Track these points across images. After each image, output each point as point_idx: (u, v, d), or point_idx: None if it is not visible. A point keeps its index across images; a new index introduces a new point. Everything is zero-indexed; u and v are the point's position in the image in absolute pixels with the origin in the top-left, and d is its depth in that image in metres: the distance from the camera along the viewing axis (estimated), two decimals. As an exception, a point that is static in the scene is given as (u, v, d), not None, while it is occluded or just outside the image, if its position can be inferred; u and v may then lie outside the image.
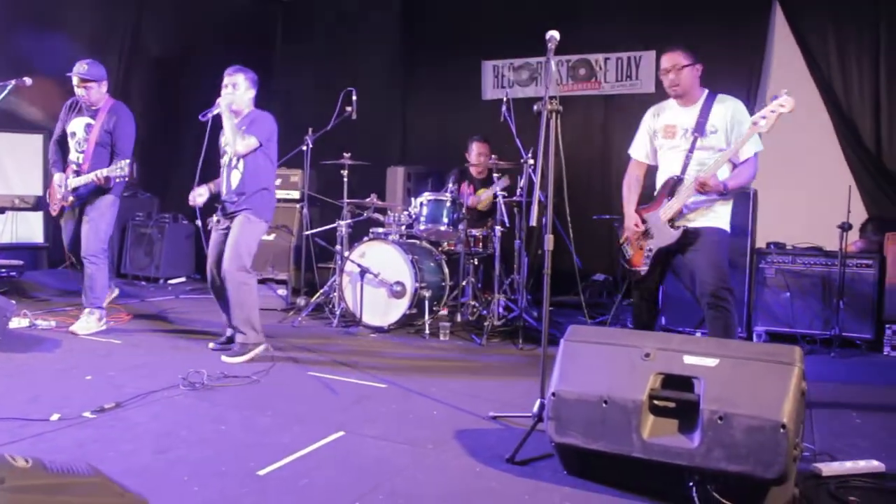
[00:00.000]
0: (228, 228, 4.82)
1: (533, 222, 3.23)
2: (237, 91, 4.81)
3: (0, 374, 4.06)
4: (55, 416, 3.35)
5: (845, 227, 5.37)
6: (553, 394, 2.79)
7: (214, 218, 4.97)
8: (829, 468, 2.95)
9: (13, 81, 5.21)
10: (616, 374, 2.74)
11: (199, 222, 5.10)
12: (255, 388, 4.02)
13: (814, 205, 6.24)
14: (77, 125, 5.39)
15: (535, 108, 3.34)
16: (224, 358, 4.57)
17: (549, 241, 3.24)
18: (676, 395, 2.65)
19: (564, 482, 2.82)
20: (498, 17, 8.04)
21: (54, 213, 5.56)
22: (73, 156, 5.40)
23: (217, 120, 4.75)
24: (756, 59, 6.78)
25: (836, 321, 5.41)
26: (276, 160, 5.00)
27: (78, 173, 5.30)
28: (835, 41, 6.52)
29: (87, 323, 5.27)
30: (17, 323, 5.25)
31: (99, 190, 5.32)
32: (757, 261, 5.76)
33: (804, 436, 3.26)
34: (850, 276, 5.48)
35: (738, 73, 6.70)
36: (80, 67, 5.31)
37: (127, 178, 5.14)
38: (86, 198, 5.37)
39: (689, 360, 2.68)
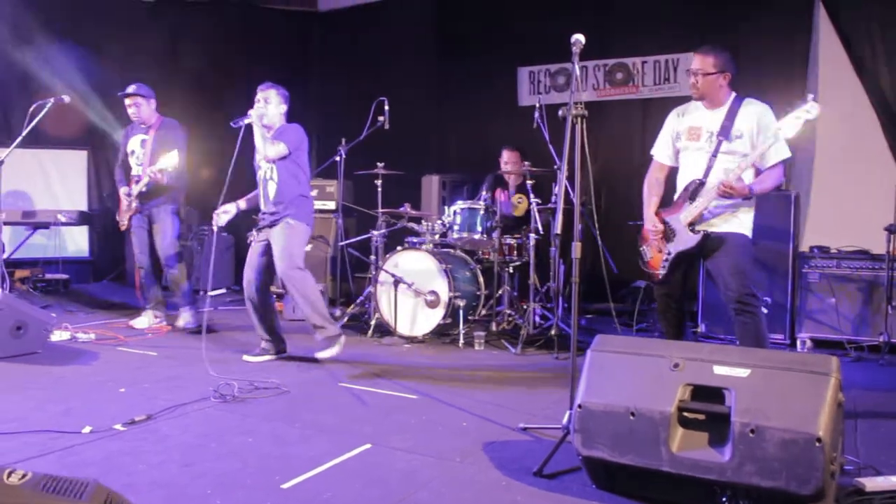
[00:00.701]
0: (266, 241, 4.95)
1: (558, 230, 3.17)
2: (269, 105, 4.93)
3: (36, 387, 4.14)
4: (87, 429, 3.39)
5: (893, 230, 5.17)
6: (579, 405, 2.71)
7: (254, 232, 5.06)
8: (873, 483, 2.80)
9: (52, 99, 5.38)
10: (644, 385, 2.66)
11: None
12: (286, 399, 4.02)
13: (859, 207, 6.02)
14: (134, 143, 5.95)
15: (560, 112, 3.28)
16: (318, 355, 4.86)
17: (576, 249, 3.16)
18: (706, 407, 2.56)
19: (592, 496, 2.75)
20: (533, 23, 7.96)
21: (123, 227, 6.03)
22: (134, 170, 5.93)
23: (249, 135, 4.83)
24: (799, 61, 6.58)
25: (885, 327, 5.21)
26: (308, 169, 5.09)
27: (139, 181, 5.82)
28: (881, 39, 6.29)
29: (185, 317, 5.99)
30: (58, 336, 5.36)
31: (162, 199, 5.86)
32: (800, 265, 5.58)
33: (845, 448, 3.13)
34: (899, 281, 5.28)
35: (781, 75, 6.51)
36: (130, 88, 5.89)
37: (177, 166, 5.61)
38: (151, 210, 5.89)
39: (719, 370, 2.58)
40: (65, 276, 7.78)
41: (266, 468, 2.98)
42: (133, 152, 5.95)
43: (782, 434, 2.38)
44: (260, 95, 4.95)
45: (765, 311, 5.22)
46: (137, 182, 5.82)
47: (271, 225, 4.93)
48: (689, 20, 7.08)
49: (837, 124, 6.23)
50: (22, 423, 3.46)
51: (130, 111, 5.92)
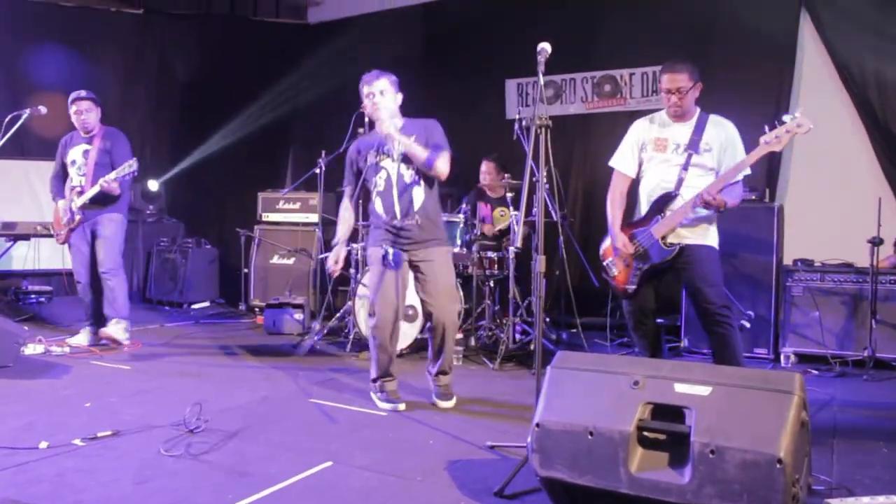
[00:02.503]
0: (405, 258, 4.14)
1: (518, 243, 3.10)
2: (386, 99, 4.15)
3: (2, 401, 4.06)
4: (43, 444, 3.31)
5: (876, 242, 5.10)
6: (537, 424, 2.63)
7: (388, 249, 4.09)
8: (843, 504, 2.73)
9: (28, 110, 5.34)
10: (603, 403, 2.57)
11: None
12: (253, 416, 3.93)
13: (843, 219, 5.95)
14: (75, 153, 5.66)
15: (524, 122, 3.23)
16: (443, 404, 4.17)
17: (540, 263, 3.09)
18: (666, 427, 2.48)
19: (552, 518, 2.67)
20: (521, 36, 7.86)
21: (60, 242, 5.78)
22: (75, 181, 5.62)
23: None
24: (786, 72, 6.51)
25: (870, 341, 5.12)
26: None
27: (81, 194, 5.52)
28: (870, 50, 6.23)
29: (118, 330, 5.53)
30: (32, 349, 5.30)
31: (107, 209, 5.55)
32: (784, 279, 5.51)
33: (819, 468, 3.06)
34: (882, 294, 5.19)
35: (767, 87, 6.46)
36: (82, 92, 5.62)
37: (135, 174, 5.45)
38: (95, 219, 5.57)
39: (680, 388, 2.50)
40: (48, 288, 7.70)
41: (220, 487, 2.90)
42: (74, 162, 5.64)
43: (743, 455, 2.29)
44: (369, 89, 4.13)
45: (747, 325, 5.18)
46: (81, 194, 5.53)
47: (415, 245, 4.10)
48: (677, 32, 7.02)
49: (819, 135, 6.15)
50: (-20, 438, 3.40)
51: (80, 118, 5.58)
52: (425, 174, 4.14)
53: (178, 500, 2.76)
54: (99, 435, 3.47)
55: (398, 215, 4.12)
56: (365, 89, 4.17)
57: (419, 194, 4.13)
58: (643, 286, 3.99)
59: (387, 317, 4.09)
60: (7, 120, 5.32)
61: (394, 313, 4.10)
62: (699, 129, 3.89)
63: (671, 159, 3.93)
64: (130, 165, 5.37)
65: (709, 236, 3.92)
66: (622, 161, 4.16)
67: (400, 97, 4.26)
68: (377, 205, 4.20)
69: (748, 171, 3.84)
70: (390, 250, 4.08)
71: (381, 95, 4.13)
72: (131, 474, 3.02)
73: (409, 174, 4.14)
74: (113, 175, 5.36)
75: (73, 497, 2.76)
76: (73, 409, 3.97)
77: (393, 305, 4.08)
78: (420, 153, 4.04)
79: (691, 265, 3.84)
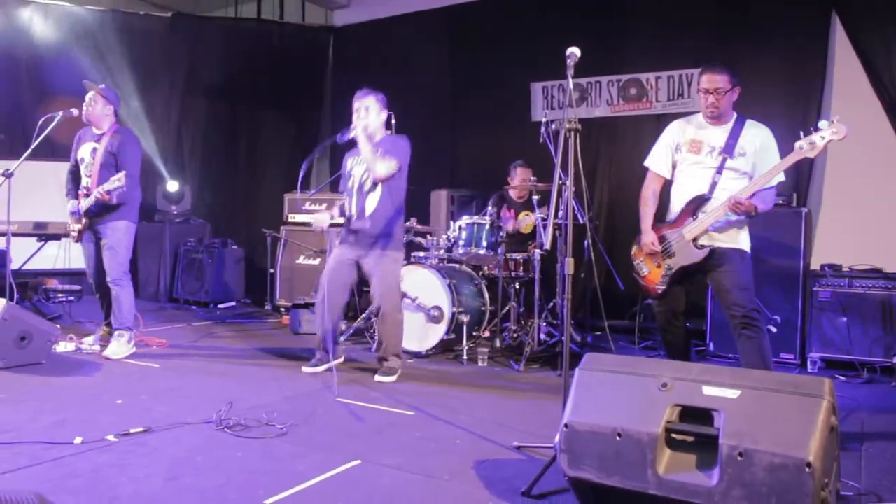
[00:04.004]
0: (355, 260, 4.90)
1: (547, 246, 3.12)
2: (370, 115, 4.82)
3: (33, 398, 4.14)
4: (78, 440, 3.38)
5: (905, 248, 5.08)
6: (565, 425, 2.65)
7: (337, 243, 5.03)
8: (872, 510, 2.72)
9: (61, 113, 5.41)
10: (631, 405, 2.58)
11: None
12: (281, 414, 3.97)
13: (872, 225, 5.91)
14: (85, 151, 5.48)
15: (554, 126, 3.26)
16: (378, 377, 4.83)
17: (568, 265, 3.11)
18: (694, 429, 2.48)
19: (580, 519, 2.68)
20: (546, 38, 7.92)
21: (75, 240, 5.60)
22: (83, 181, 5.44)
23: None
24: (816, 77, 6.46)
25: (898, 348, 5.10)
26: (405, 186, 4.99)
27: (87, 196, 5.32)
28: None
29: (118, 346, 5.30)
30: (63, 347, 5.38)
31: (112, 215, 5.34)
32: (811, 284, 5.48)
33: (847, 474, 3.05)
34: (912, 300, 5.15)
35: (797, 92, 6.41)
36: (85, 83, 5.49)
37: (123, 189, 5.11)
38: (99, 223, 5.37)
39: (708, 390, 2.51)
40: (77, 288, 7.81)
41: (250, 484, 2.94)
42: (83, 160, 5.45)
43: (771, 458, 2.30)
44: (359, 104, 4.82)
45: (774, 329, 5.16)
46: (87, 195, 5.31)
47: (364, 247, 4.84)
48: (703, 35, 7.01)
49: (850, 141, 6.11)
50: (17, 433, 3.46)
51: (85, 109, 5.43)
52: (384, 186, 4.78)
53: (208, 497, 2.80)
54: (131, 431, 3.53)
55: (354, 216, 4.87)
56: (354, 104, 4.84)
57: (373, 201, 4.80)
58: (673, 288, 4.02)
59: (325, 294, 4.84)
60: (41, 122, 5.40)
61: (330, 295, 4.85)
62: (735, 134, 3.91)
63: (705, 161, 3.96)
64: (119, 180, 5.08)
65: (740, 240, 3.93)
66: (656, 161, 4.20)
67: (384, 115, 4.93)
68: (345, 204, 4.97)
69: (782, 178, 3.86)
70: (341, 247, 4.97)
71: (366, 111, 4.81)
72: (163, 471, 3.07)
73: (369, 181, 4.81)
74: (105, 187, 5.13)
75: (109, 493, 2.81)
76: (104, 405, 4.04)
77: (326, 287, 4.86)
78: (369, 158, 4.70)
79: (722, 268, 3.87)
